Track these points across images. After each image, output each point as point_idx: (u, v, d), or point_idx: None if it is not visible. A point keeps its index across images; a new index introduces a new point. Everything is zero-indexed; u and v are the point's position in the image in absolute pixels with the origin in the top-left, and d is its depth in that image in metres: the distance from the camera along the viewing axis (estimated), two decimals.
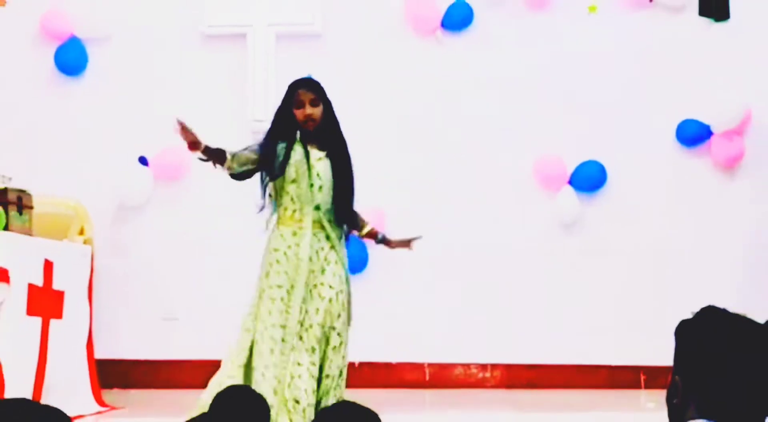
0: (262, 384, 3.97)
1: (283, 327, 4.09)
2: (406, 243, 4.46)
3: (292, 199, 4.17)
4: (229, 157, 4.14)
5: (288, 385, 4.03)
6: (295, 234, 4.16)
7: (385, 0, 5.89)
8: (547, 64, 5.83)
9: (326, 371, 4.11)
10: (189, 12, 5.92)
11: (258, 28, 5.87)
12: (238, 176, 4.18)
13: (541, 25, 5.85)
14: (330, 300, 4.13)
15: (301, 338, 4.10)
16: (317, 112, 4.16)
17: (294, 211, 4.17)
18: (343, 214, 4.23)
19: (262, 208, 4.22)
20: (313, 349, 4.07)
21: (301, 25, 5.88)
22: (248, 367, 4.11)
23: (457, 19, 5.87)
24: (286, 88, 4.26)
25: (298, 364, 4.05)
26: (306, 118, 4.17)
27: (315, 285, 4.13)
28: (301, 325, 4.09)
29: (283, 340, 4.08)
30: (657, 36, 5.81)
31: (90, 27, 5.95)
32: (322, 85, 4.23)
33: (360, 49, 5.89)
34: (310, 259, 4.13)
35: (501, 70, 5.85)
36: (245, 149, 4.18)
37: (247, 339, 4.14)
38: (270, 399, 3.81)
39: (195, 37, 5.94)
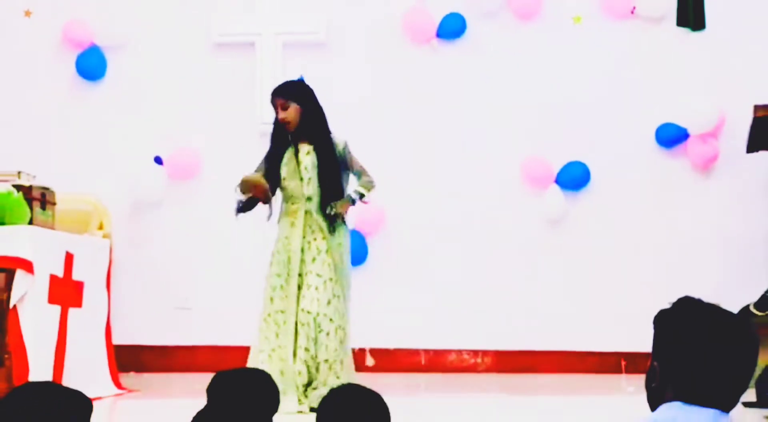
0: (270, 366, 3.98)
1: (283, 312, 4.12)
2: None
3: (289, 194, 4.22)
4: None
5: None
6: (292, 225, 4.20)
7: (384, 11, 5.88)
8: (535, 71, 5.82)
9: (321, 357, 4.10)
10: (200, 21, 5.91)
11: (266, 36, 5.85)
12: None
13: (529, 35, 5.84)
14: (317, 288, 4.13)
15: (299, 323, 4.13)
16: (289, 114, 4.20)
17: (291, 204, 4.22)
18: (329, 202, 4.23)
19: (269, 217, 4.27)
20: (308, 336, 4.08)
21: (306, 34, 5.87)
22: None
23: (451, 29, 5.87)
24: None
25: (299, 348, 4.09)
26: (281, 122, 4.22)
27: (306, 273, 4.16)
28: (301, 311, 4.13)
29: (285, 323, 4.10)
30: (637, 45, 5.80)
31: (109, 35, 5.94)
32: (298, 85, 4.29)
33: (362, 56, 5.89)
34: (302, 249, 4.17)
35: (492, 76, 5.84)
36: (257, 172, 4.25)
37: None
38: (278, 380, 3.82)
39: (206, 45, 5.93)
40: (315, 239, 4.21)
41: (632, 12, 5.82)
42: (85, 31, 5.91)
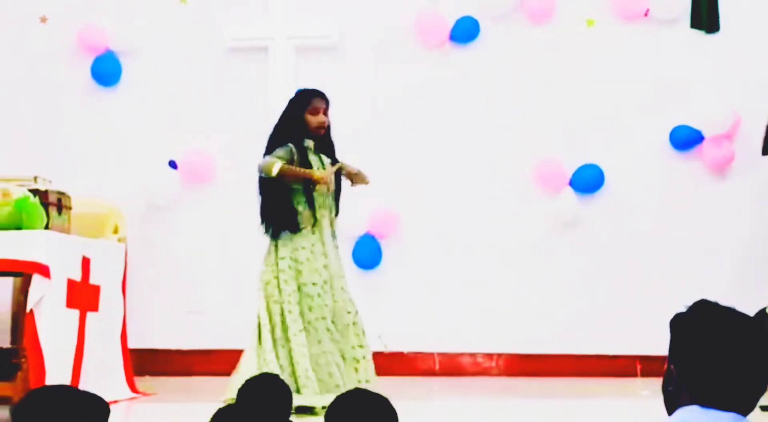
0: (315, 374, 4.09)
1: (324, 318, 4.16)
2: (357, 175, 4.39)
3: (311, 203, 4.22)
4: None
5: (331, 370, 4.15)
6: (317, 233, 4.22)
7: (397, 15, 5.88)
8: (548, 73, 5.81)
9: (368, 352, 4.29)
10: (214, 26, 5.92)
11: (278, 41, 5.87)
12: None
13: (543, 38, 5.83)
14: (342, 288, 4.26)
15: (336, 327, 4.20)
16: (328, 120, 4.26)
17: (313, 212, 4.22)
18: (337, 212, 4.38)
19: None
20: (357, 334, 4.29)
21: (319, 38, 5.88)
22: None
23: (464, 33, 5.86)
24: (294, 93, 4.35)
25: (353, 348, 4.23)
26: (320, 125, 4.23)
27: (333, 277, 4.21)
28: (347, 313, 4.24)
29: (328, 330, 4.14)
30: (651, 47, 5.78)
31: (124, 41, 5.97)
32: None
33: (374, 60, 5.88)
34: (326, 255, 4.21)
35: (505, 79, 5.83)
36: (277, 155, 4.21)
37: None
38: (326, 382, 4.07)
39: (219, 49, 5.94)
40: (336, 246, 4.32)
41: (646, 14, 5.80)
42: (100, 37, 5.94)
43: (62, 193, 4.52)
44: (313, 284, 4.20)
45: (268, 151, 4.29)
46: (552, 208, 5.77)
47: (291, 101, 4.37)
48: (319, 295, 4.19)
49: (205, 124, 5.92)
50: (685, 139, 5.74)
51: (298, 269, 4.22)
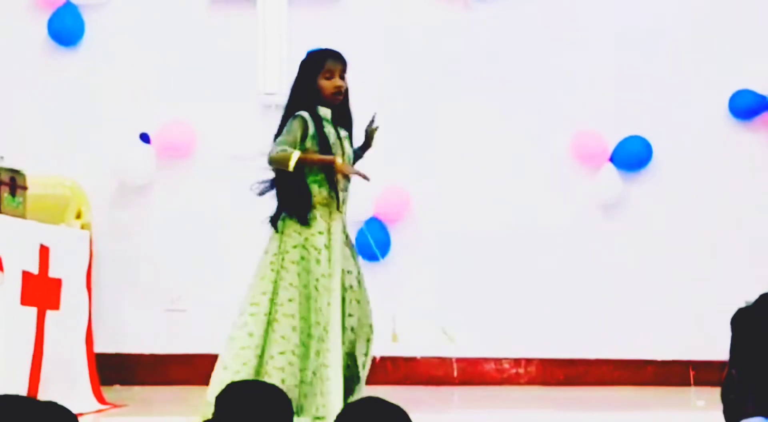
0: (338, 364, 4.16)
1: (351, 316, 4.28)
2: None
3: (326, 181, 4.23)
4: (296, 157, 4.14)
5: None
6: (330, 215, 4.25)
7: None
8: (587, 33, 5.81)
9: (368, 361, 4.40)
10: None
11: None
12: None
13: None
14: (359, 281, 4.38)
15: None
16: (345, 84, 4.26)
17: (330, 191, 4.25)
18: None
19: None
20: (367, 340, 4.44)
21: None
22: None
23: None
24: (305, 55, 4.31)
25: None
26: (336, 90, 4.24)
27: (349, 272, 4.33)
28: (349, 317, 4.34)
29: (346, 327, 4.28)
30: (708, 2, 5.77)
31: None
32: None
33: (382, 14, 5.88)
34: (345, 244, 4.30)
35: (536, 39, 5.83)
36: (289, 137, 4.20)
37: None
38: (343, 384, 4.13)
39: (199, 1, 5.95)
40: (348, 234, 4.39)
41: None
42: None
43: (16, 172, 4.53)
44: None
45: (281, 125, 4.28)
46: (590, 187, 5.78)
47: (301, 64, 4.37)
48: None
49: (184, 89, 5.93)
50: (748, 107, 5.75)
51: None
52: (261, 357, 4.20)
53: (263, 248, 4.39)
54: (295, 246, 4.26)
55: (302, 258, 4.24)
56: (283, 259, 4.27)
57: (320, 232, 4.24)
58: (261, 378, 4.07)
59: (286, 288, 4.25)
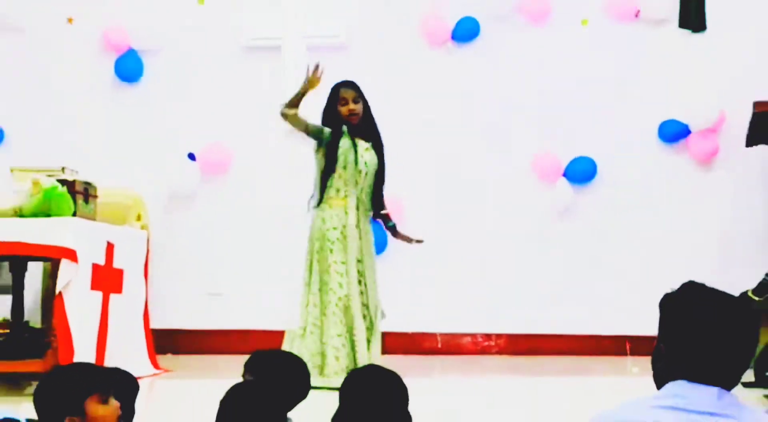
0: (344, 351, 4.11)
1: (348, 296, 4.19)
2: (407, 239, 4.49)
3: (341, 182, 4.24)
4: (292, 111, 4.27)
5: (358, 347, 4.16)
6: (346, 213, 4.24)
7: (402, 15, 5.86)
8: (545, 71, 5.79)
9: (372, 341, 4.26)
10: (230, 26, 5.92)
11: (291, 40, 5.84)
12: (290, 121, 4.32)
13: (540, 37, 5.81)
14: (372, 276, 4.32)
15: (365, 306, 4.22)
16: (359, 107, 4.28)
17: (338, 191, 4.23)
18: (378, 198, 4.39)
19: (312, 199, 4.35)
20: (372, 321, 4.26)
21: (328, 37, 5.85)
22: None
23: (465, 33, 5.84)
24: (322, 92, 4.35)
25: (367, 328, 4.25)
26: (350, 113, 4.27)
27: (363, 260, 4.25)
28: (363, 296, 4.24)
29: (347, 309, 4.17)
30: (641, 45, 5.76)
31: (145, 40, 5.96)
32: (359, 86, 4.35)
33: (381, 58, 5.87)
34: (359, 237, 4.24)
35: (504, 76, 5.82)
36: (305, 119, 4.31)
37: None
38: (351, 362, 4.06)
39: (236, 48, 5.94)
40: (365, 229, 4.31)
41: (636, 15, 5.78)
42: (123, 37, 5.94)
43: (88, 183, 4.52)
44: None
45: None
46: (547, 197, 5.76)
47: (328, 95, 4.42)
48: (347, 272, 4.26)
49: (223, 118, 5.92)
50: (673, 133, 5.73)
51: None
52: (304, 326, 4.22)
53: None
54: (317, 239, 4.27)
55: (321, 248, 4.24)
56: (310, 248, 4.29)
57: (334, 228, 4.24)
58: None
59: (310, 271, 4.26)
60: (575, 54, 5.79)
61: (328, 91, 4.42)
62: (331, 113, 4.34)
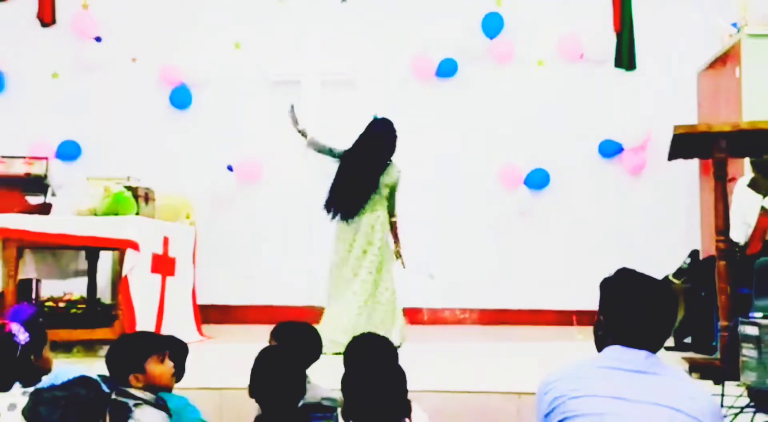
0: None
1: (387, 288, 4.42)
2: (399, 257, 4.45)
3: (391, 204, 4.48)
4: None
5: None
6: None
7: (396, 55, 5.86)
8: (510, 101, 5.80)
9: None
10: (261, 65, 5.91)
11: (309, 76, 5.85)
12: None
13: (505, 74, 5.81)
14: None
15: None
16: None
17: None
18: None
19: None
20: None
21: (339, 73, 5.85)
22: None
23: (446, 70, 5.84)
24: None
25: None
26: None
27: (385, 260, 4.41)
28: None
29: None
30: (585, 80, 5.77)
31: (194, 76, 5.95)
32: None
33: (380, 90, 5.86)
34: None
35: (477, 105, 5.82)
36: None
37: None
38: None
39: (264, 83, 5.93)
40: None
41: (581, 57, 5.79)
42: (176, 73, 5.93)
43: (148, 189, 4.52)
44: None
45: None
46: (511, 200, 5.76)
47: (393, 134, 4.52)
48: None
49: (254, 137, 5.91)
50: (610, 150, 5.73)
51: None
52: None
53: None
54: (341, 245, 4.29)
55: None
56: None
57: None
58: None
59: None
60: (533, 87, 5.80)
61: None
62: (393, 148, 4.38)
